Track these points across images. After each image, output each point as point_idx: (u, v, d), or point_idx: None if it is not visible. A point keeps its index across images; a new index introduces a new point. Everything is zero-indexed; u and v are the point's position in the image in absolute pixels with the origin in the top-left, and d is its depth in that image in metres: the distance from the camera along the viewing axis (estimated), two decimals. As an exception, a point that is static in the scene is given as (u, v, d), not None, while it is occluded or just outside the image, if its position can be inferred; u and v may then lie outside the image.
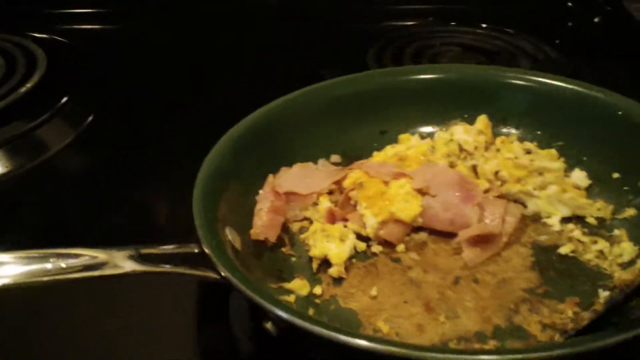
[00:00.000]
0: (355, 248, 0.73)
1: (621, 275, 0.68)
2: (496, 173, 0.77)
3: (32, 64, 1.09)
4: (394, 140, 0.86)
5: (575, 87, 0.82)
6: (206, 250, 0.60)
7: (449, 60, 1.14)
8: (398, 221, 0.73)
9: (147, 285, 0.68)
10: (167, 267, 0.59)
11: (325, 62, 1.10)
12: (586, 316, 0.62)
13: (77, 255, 0.58)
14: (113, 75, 1.13)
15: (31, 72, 1.07)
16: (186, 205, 0.65)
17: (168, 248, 0.62)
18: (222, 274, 0.59)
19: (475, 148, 0.79)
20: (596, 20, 1.31)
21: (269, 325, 0.60)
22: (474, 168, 0.78)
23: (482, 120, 0.81)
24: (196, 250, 0.62)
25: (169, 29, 1.31)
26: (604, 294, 0.66)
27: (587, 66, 1.10)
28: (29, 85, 1.03)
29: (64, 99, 1.03)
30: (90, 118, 1.02)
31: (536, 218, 0.76)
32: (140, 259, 0.59)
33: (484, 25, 1.26)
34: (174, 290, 0.69)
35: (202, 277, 0.60)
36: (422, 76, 0.87)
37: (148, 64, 1.18)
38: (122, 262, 0.58)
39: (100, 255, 0.58)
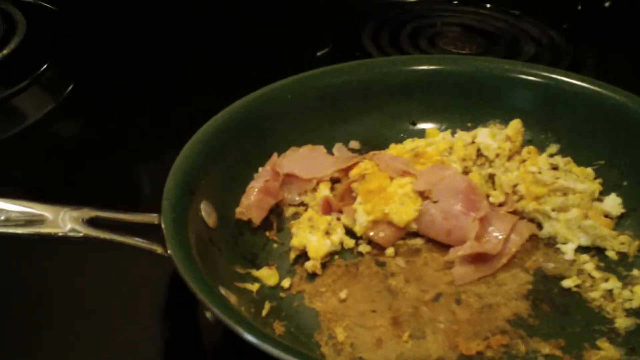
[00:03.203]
0: (342, 244, 0.68)
1: (623, 323, 0.60)
2: (514, 186, 0.69)
3: (11, 28, 1.01)
4: (423, 134, 0.80)
5: (627, 102, 0.72)
6: (161, 221, 0.58)
7: (448, 41, 1.06)
8: (390, 223, 0.67)
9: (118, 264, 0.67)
10: (111, 235, 0.57)
11: (319, 40, 1.06)
12: None
13: (23, 210, 0.57)
14: (96, 43, 1.06)
15: (9, 37, 0.99)
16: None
17: (125, 215, 0.59)
18: (168, 250, 0.56)
19: (497, 155, 0.71)
20: (606, 4, 1.17)
21: (208, 314, 0.57)
22: (491, 177, 0.71)
23: (513, 125, 0.74)
24: (156, 222, 0.59)
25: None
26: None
27: (592, 54, 1.03)
28: (5, 51, 0.96)
29: (44, 67, 0.97)
30: (70, 87, 0.97)
31: (550, 242, 0.69)
32: (88, 222, 0.57)
33: (488, 5, 1.16)
34: (146, 271, 0.66)
35: (149, 250, 0.57)
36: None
37: (134, 32, 1.10)
38: (65, 223, 0.56)
39: (46, 212, 0.57)
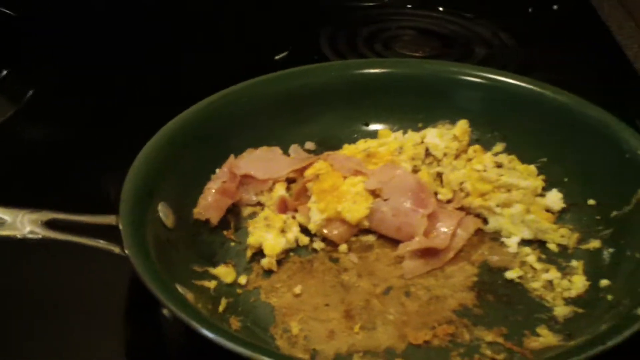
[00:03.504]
0: (297, 241, 0.71)
1: (562, 311, 0.63)
2: (461, 184, 0.73)
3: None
4: (375, 135, 0.83)
5: (570, 103, 0.76)
6: (119, 223, 0.60)
7: (403, 44, 1.10)
8: (343, 221, 0.70)
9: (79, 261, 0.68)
10: (69, 236, 0.59)
11: (277, 43, 1.09)
12: None
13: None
14: (56, 49, 1.07)
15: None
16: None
17: (83, 217, 0.61)
18: (126, 250, 0.58)
19: (445, 155, 0.75)
20: (555, 7, 1.22)
21: (166, 311, 0.60)
22: (439, 175, 0.74)
23: (461, 126, 0.77)
24: (114, 223, 0.61)
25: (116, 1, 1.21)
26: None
27: (542, 56, 1.06)
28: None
29: (4, 73, 0.97)
30: (30, 93, 0.98)
31: (495, 236, 0.72)
32: (46, 224, 0.59)
33: (441, 9, 1.20)
34: (107, 269, 0.67)
35: (107, 250, 0.59)
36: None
37: (94, 37, 1.11)
38: (23, 225, 0.58)
39: (4, 215, 0.59)
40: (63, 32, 1.10)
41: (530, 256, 0.69)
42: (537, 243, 0.71)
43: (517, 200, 0.71)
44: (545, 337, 0.61)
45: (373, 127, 0.84)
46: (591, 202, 0.72)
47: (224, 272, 0.67)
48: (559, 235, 0.70)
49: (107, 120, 0.93)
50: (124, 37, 1.11)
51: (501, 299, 0.65)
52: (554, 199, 0.73)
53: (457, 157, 0.75)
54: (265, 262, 0.68)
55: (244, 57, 1.06)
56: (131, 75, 1.02)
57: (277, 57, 1.07)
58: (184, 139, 0.72)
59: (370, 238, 0.72)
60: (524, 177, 0.73)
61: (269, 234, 0.69)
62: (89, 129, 0.91)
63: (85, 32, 1.11)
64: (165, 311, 0.61)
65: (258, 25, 1.15)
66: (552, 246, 0.70)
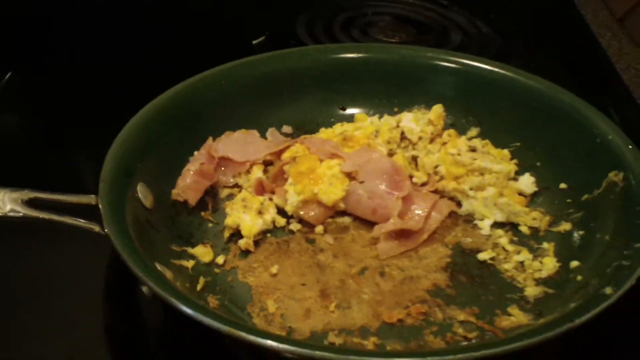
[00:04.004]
0: (274, 223, 0.72)
1: (533, 291, 0.65)
2: (436, 167, 0.74)
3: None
4: (352, 118, 0.84)
5: (542, 88, 0.77)
6: (98, 202, 0.60)
7: (379, 30, 1.11)
8: (319, 203, 0.71)
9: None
10: (49, 215, 0.59)
11: (254, 28, 1.09)
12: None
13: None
14: (34, 30, 1.07)
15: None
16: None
17: (63, 196, 0.62)
18: (105, 229, 0.58)
19: (420, 138, 0.76)
20: None
21: (145, 288, 0.60)
22: (414, 159, 0.75)
23: (435, 110, 0.78)
24: (94, 203, 0.62)
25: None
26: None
27: (517, 43, 1.09)
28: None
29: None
30: (8, 75, 0.98)
31: (469, 219, 0.73)
32: (27, 203, 0.59)
33: None
34: (87, 248, 0.68)
35: (87, 228, 0.60)
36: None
37: (72, 19, 1.11)
38: (4, 203, 0.58)
39: (-15, 194, 0.59)
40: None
41: (503, 238, 0.70)
42: (509, 225, 0.72)
43: (490, 184, 0.73)
44: (516, 317, 0.62)
45: (350, 111, 0.85)
46: (563, 185, 0.73)
47: (202, 252, 0.68)
48: (531, 218, 0.71)
49: (91, 106, 0.93)
50: (102, 23, 1.11)
51: (474, 280, 0.67)
52: (527, 182, 0.75)
53: (432, 141, 0.77)
54: (242, 242, 0.69)
55: (221, 41, 1.06)
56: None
57: (254, 42, 1.07)
58: (162, 121, 0.73)
59: (346, 220, 0.73)
60: (498, 161, 0.74)
61: (246, 215, 0.70)
62: (70, 114, 0.92)
63: (65, 12, 1.11)
64: (144, 289, 0.62)
65: (235, 9, 1.15)
66: (524, 229, 0.71)
